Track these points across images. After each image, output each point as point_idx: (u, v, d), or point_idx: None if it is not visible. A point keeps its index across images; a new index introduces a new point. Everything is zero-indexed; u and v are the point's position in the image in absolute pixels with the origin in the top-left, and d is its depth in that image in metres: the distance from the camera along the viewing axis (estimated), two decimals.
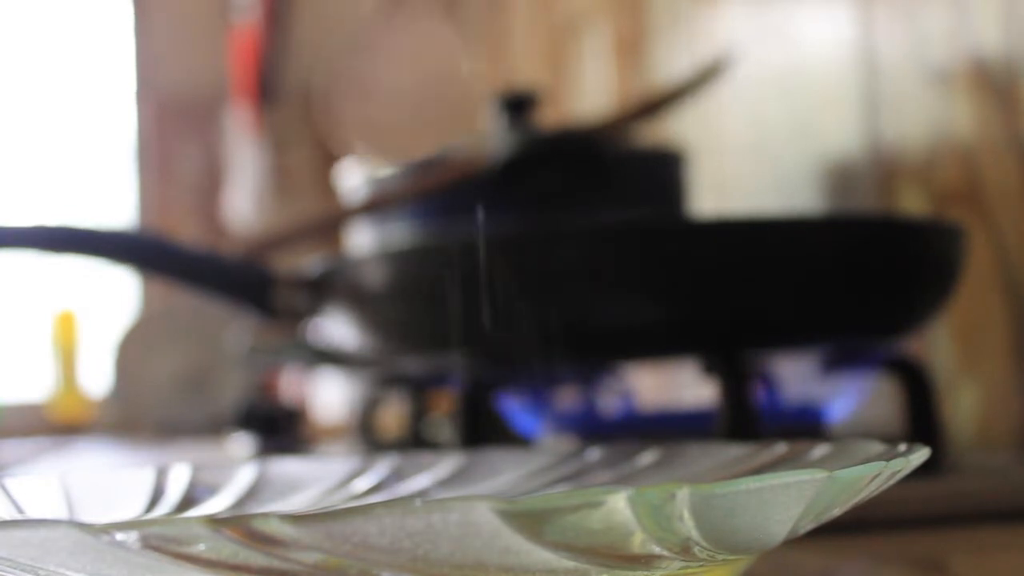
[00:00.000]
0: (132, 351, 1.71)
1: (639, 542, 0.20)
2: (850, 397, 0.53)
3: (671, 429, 0.53)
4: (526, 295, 0.45)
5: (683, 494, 0.20)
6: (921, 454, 0.24)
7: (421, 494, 0.34)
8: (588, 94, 1.22)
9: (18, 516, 0.29)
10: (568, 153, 0.67)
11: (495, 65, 1.63)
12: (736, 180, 0.89)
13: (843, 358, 0.51)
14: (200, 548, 0.19)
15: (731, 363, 0.45)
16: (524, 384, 0.55)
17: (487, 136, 0.66)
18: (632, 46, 1.10)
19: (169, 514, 0.32)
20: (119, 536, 0.19)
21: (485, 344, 0.47)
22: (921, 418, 0.49)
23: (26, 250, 0.55)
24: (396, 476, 0.35)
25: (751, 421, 0.44)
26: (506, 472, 0.34)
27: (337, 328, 0.53)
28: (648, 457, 0.33)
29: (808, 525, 0.23)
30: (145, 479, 0.34)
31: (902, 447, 0.26)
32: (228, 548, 0.19)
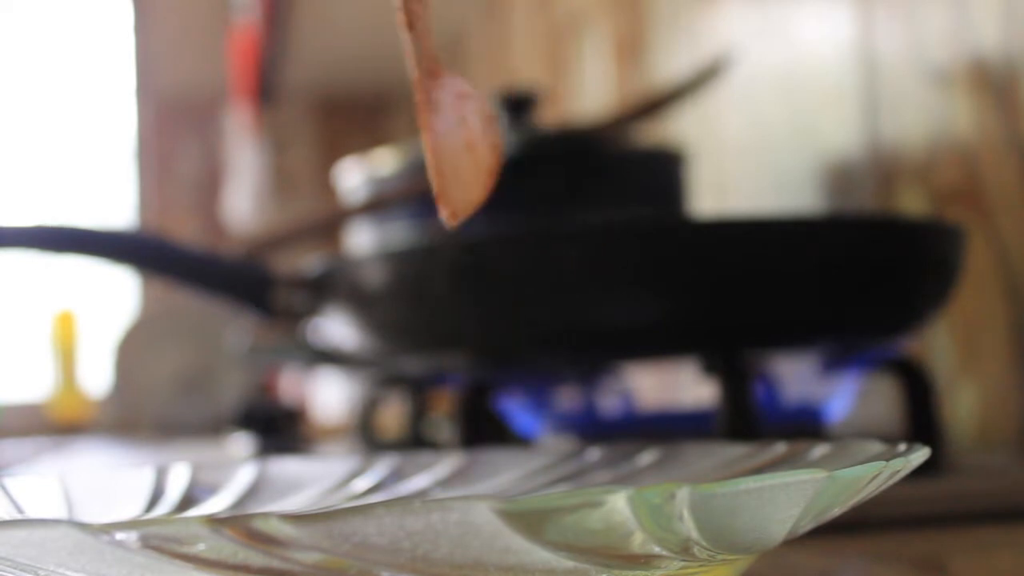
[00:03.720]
0: (132, 351, 1.71)
1: (639, 542, 0.20)
2: (850, 397, 0.53)
3: (671, 429, 0.53)
4: (526, 295, 0.45)
5: (683, 494, 0.20)
6: (921, 454, 0.24)
7: (421, 494, 0.34)
8: (588, 94, 1.22)
9: (18, 516, 0.29)
10: (568, 153, 0.66)
11: (495, 65, 1.63)
12: (736, 180, 0.89)
13: (843, 358, 0.51)
14: (200, 548, 0.19)
15: (731, 363, 0.45)
16: (524, 384, 0.55)
17: None
18: (632, 46, 1.10)
19: (169, 514, 0.32)
20: (119, 536, 0.19)
21: (485, 344, 0.47)
22: (921, 418, 0.49)
23: (26, 250, 0.55)
24: (396, 476, 0.35)
25: (751, 421, 0.44)
26: (506, 472, 0.34)
27: (337, 328, 0.53)
28: (648, 457, 0.33)
29: (808, 525, 0.23)
30: (145, 479, 0.34)
31: (902, 447, 0.26)
32: (228, 548, 0.19)
